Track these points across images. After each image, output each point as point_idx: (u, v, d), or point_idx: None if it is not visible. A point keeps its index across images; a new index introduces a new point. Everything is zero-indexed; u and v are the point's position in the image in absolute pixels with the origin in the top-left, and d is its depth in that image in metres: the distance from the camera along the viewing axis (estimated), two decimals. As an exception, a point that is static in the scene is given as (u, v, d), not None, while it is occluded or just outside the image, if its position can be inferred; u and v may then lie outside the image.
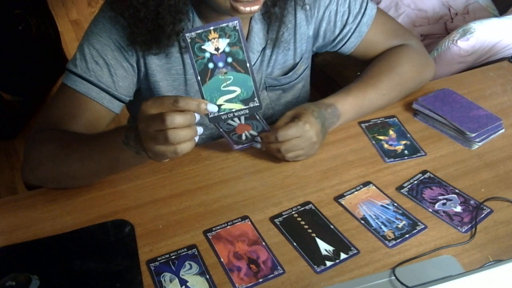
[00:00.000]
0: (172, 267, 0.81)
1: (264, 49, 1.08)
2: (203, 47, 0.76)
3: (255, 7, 0.90)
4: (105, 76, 0.97)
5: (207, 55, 0.76)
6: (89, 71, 0.96)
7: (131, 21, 0.93)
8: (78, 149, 0.90)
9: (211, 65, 0.77)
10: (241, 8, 0.89)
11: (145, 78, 1.03)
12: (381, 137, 1.06)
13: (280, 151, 0.97)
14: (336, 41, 1.14)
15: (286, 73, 1.14)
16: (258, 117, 0.91)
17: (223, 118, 0.80)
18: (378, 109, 1.11)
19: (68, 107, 0.97)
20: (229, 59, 0.77)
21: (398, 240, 0.85)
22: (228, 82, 0.78)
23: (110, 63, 0.97)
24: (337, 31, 1.12)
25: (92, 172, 0.91)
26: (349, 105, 1.05)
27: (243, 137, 0.97)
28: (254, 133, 0.97)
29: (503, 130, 1.06)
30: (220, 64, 0.77)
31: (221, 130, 0.94)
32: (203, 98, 0.78)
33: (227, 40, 0.76)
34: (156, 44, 0.96)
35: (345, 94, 1.06)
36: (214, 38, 0.76)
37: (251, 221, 0.89)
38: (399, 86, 1.11)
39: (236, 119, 0.90)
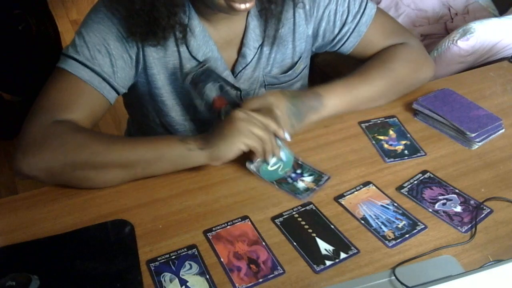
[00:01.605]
0: (172, 267, 0.81)
1: (261, 46, 1.08)
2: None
3: (249, 4, 0.91)
4: (106, 65, 0.97)
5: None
6: (92, 59, 0.96)
7: (126, 13, 0.93)
8: (121, 141, 0.93)
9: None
10: (236, 5, 0.90)
11: (144, 71, 1.04)
12: (381, 137, 1.06)
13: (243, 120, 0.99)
14: (335, 40, 1.14)
15: (285, 72, 1.14)
16: (227, 89, 1.04)
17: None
18: (371, 102, 1.10)
19: (71, 94, 0.96)
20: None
21: (398, 240, 0.85)
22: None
23: (112, 52, 0.97)
24: (336, 31, 1.13)
25: (128, 163, 0.91)
26: (334, 92, 1.06)
27: (222, 117, 1.05)
28: (230, 110, 1.02)
29: (503, 130, 1.07)
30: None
31: (202, 104, 1.04)
32: None
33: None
34: (152, 35, 0.96)
35: (330, 83, 1.07)
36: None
37: (251, 221, 0.89)
38: (391, 80, 1.10)
39: (212, 89, 1.04)
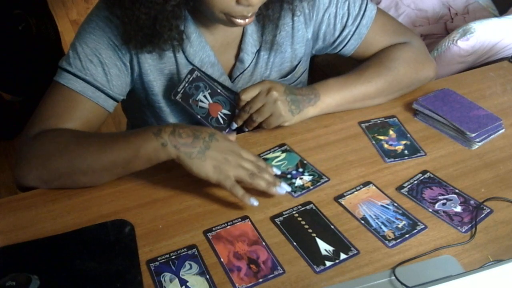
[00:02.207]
0: (172, 267, 0.81)
1: (259, 51, 1.08)
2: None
3: (249, 19, 0.93)
4: (99, 75, 0.97)
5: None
6: (84, 69, 0.96)
7: (128, 27, 0.93)
8: (98, 142, 0.91)
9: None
10: (237, 21, 0.92)
11: (139, 77, 1.03)
12: (381, 137, 1.06)
13: (245, 111, 1.01)
14: (336, 43, 1.14)
15: (284, 76, 1.14)
16: (220, 90, 1.04)
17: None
18: (368, 99, 1.11)
19: (64, 106, 0.97)
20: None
21: (398, 240, 0.85)
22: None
23: (104, 61, 0.97)
24: (336, 34, 1.12)
25: (108, 165, 0.90)
26: (330, 87, 1.07)
27: (221, 121, 1.05)
28: (227, 111, 1.05)
29: (503, 130, 1.06)
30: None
31: (199, 117, 1.04)
32: None
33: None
34: (150, 45, 0.97)
35: (326, 80, 1.09)
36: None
37: (251, 221, 0.89)
38: (389, 78, 1.10)
39: (205, 99, 1.04)
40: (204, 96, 1.03)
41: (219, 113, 1.05)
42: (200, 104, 1.04)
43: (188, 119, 1.11)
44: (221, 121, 1.06)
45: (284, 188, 0.91)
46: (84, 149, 0.91)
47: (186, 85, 1.01)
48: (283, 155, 1.02)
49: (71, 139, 0.93)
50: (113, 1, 0.93)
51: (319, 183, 0.96)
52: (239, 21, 0.92)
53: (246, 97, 1.01)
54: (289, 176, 0.97)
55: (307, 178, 0.97)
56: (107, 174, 0.93)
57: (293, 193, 0.94)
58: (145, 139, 0.88)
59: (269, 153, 1.03)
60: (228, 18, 0.91)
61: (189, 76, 1.01)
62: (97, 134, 0.96)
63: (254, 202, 0.89)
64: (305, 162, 1.00)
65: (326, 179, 0.96)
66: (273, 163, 1.00)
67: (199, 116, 1.04)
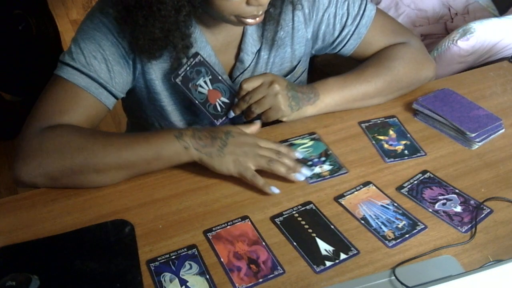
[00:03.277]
0: (172, 267, 0.81)
1: (259, 51, 1.08)
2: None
3: (259, 18, 0.94)
4: (103, 71, 0.97)
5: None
6: (88, 65, 0.96)
7: (141, 42, 0.93)
8: (117, 142, 0.91)
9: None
10: (248, 21, 0.93)
11: (142, 76, 1.03)
12: (381, 137, 1.06)
13: (245, 100, 1.01)
14: (336, 43, 1.15)
15: (284, 76, 1.14)
16: (221, 77, 1.04)
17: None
18: (368, 99, 1.11)
19: (67, 101, 0.96)
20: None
21: (398, 240, 0.85)
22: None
23: (108, 58, 0.97)
24: (336, 34, 1.13)
25: (126, 164, 0.91)
26: (329, 86, 1.08)
27: (218, 108, 1.05)
28: (225, 100, 1.05)
29: (503, 130, 1.07)
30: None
31: (196, 102, 1.03)
32: None
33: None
34: (160, 54, 0.98)
35: (326, 79, 1.09)
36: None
37: (251, 221, 0.89)
38: (388, 77, 1.10)
39: (205, 85, 1.03)
40: (205, 82, 1.03)
41: (218, 100, 1.05)
42: (200, 89, 1.03)
43: (189, 118, 1.11)
44: (219, 108, 1.06)
45: (304, 174, 0.94)
46: (103, 147, 0.91)
47: (188, 68, 1.01)
48: (311, 142, 1.04)
49: (86, 137, 0.92)
50: (125, 18, 0.93)
51: (336, 174, 0.97)
52: (250, 21, 0.93)
53: (248, 86, 1.01)
54: (309, 163, 0.99)
55: (326, 167, 0.98)
56: (122, 173, 0.94)
57: (308, 179, 0.95)
58: (167, 142, 0.91)
59: (297, 139, 1.04)
60: (239, 19, 0.92)
61: (191, 59, 1.01)
62: (115, 134, 0.96)
63: (275, 190, 0.91)
64: (329, 152, 1.01)
65: (345, 171, 0.97)
66: (298, 149, 1.01)
67: (197, 102, 1.03)
